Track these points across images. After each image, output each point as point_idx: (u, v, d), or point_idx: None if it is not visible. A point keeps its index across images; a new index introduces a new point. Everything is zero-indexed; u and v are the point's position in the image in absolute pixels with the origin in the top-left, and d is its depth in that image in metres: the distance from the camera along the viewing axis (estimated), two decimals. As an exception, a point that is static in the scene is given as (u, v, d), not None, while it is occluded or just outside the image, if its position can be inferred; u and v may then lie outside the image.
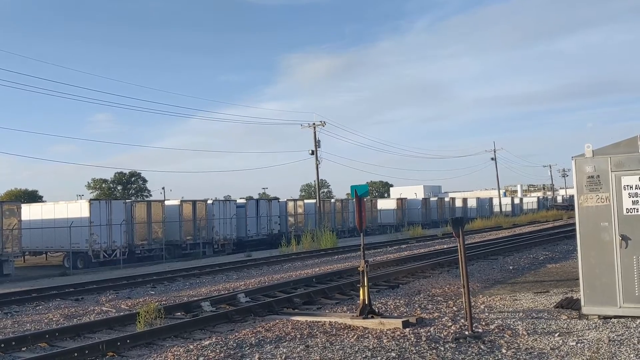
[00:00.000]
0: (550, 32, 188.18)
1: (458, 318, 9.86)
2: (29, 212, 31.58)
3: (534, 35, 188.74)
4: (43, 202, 50.46)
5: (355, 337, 8.72)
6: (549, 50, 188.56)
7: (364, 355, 7.57)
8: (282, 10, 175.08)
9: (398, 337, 8.51)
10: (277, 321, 10.44)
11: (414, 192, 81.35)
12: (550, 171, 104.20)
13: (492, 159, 74.15)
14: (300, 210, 44.31)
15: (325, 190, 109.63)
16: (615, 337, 7.85)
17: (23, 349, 9.57)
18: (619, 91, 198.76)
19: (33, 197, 71.82)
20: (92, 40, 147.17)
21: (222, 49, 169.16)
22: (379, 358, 7.44)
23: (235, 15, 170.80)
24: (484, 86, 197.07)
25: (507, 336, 8.32)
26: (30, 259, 34.68)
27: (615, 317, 8.95)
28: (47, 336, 10.11)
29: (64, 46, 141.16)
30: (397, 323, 9.29)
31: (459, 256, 8.83)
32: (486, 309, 10.89)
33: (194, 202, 35.49)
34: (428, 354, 7.49)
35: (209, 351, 8.29)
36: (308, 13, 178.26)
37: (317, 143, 46.29)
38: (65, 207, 31.26)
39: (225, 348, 8.43)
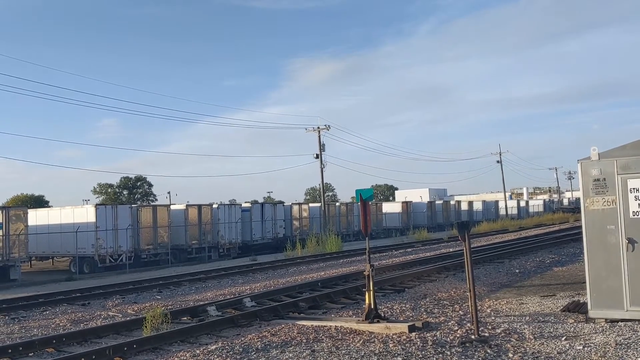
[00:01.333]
0: (556, 34, 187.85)
1: (464, 322, 9.84)
2: (36, 217, 31.71)
3: (540, 37, 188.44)
4: (49, 207, 50.71)
5: (361, 341, 8.71)
6: (555, 52, 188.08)
7: (370, 360, 7.56)
8: (286, 15, 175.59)
9: (404, 342, 8.50)
10: (282, 325, 10.45)
11: (419, 195, 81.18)
12: (556, 174, 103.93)
13: (498, 161, 74.13)
14: (305, 214, 44.34)
15: (330, 193, 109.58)
16: (622, 340, 7.82)
17: (30, 354, 9.62)
18: (626, 93, 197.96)
19: (39, 202, 72.12)
20: (98, 46, 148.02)
21: (227, 54, 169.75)
22: (385, 362, 7.43)
23: (240, 20, 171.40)
24: (489, 88, 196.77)
25: (514, 340, 8.30)
26: (36, 264, 34.84)
27: (622, 320, 8.91)
28: (54, 341, 10.15)
29: (70, 52, 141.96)
30: (403, 327, 9.28)
31: (465, 260, 8.81)
32: (492, 313, 10.86)
33: (199, 207, 35.57)
34: (434, 359, 7.48)
35: (215, 356, 8.30)
36: (312, 17, 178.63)
37: (322, 147, 46.37)
38: (72, 212, 31.38)
39: (231, 353, 8.44)
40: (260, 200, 77.80)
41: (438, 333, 9.00)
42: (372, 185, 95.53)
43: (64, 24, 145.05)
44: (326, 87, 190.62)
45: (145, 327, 10.62)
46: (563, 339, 8.19)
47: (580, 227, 9.63)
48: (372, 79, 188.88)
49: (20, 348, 9.62)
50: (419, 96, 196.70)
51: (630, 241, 8.91)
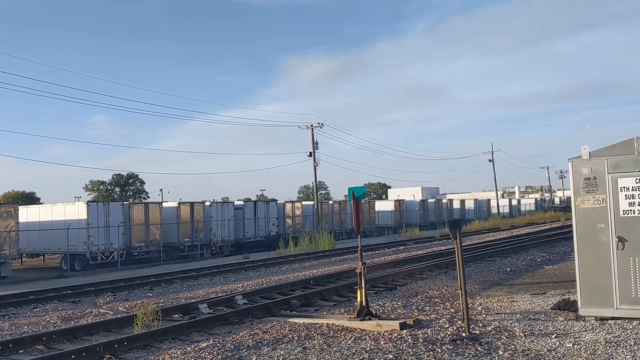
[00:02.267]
0: (550, 34, 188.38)
1: (455, 320, 9.87)
2: (27, 214, 31.55)
3: (533, 36, 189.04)
4: (41, 204, 50.42)
5: (352, 339, 8.73)
6: (548, 52, 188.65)
7: (361, 357, 7.57)
8: (280, 12, 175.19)
9: (395, 339, 8.52)
10: (274, 323, 10.45)
11: (412, 194, 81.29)
12: (548, 173, 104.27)
13: (490, 160, 74.37)
14: (298, 212, 44.32)
15: (323, 192, 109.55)
16: (611, 338, 7.87)
17: (20, 351, 9.57)
18: (618, 93, 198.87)
19: (31, 199, 71.69)
20: (91, 42, 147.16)
21: (221, 51, 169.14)
22: (376, 360, 7.45)
23: (234, 16, 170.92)
24: (483, 88, 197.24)
25: (504, 338, 8.34)
26: (27, 261, 34.65)
27: (612, 318, 8.98)
28: (44, 338, 10.10)
29: (62, 49, 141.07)
30: (395, 325, 9.31)
31: (456, 258, 8.84)
32: (483, 311, 10.90)
33: (191, 204, 35.48)
34: (425, 356, 7.51)
35: (207, 353, 8.29)
36: (306, 14, 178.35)
37: (315, 145, 46.34)
38: (63, 209, 31.23)
39: (222, 350, 8.43)
40: (253, 198, 77.67)
41: (429, 330, 9.03)
42: (365, 184, 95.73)
43: (55, 21, 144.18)
44: (320, 84, 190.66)
45: (136, 324, 10.59)
46: (553, 336, 8.24)
47: (571, 226, 9.69)
48: (366, 77, 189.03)
49: (10, 345, 9.57)
50: (412, 95, 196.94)
51: (621, 240, 8.97)
